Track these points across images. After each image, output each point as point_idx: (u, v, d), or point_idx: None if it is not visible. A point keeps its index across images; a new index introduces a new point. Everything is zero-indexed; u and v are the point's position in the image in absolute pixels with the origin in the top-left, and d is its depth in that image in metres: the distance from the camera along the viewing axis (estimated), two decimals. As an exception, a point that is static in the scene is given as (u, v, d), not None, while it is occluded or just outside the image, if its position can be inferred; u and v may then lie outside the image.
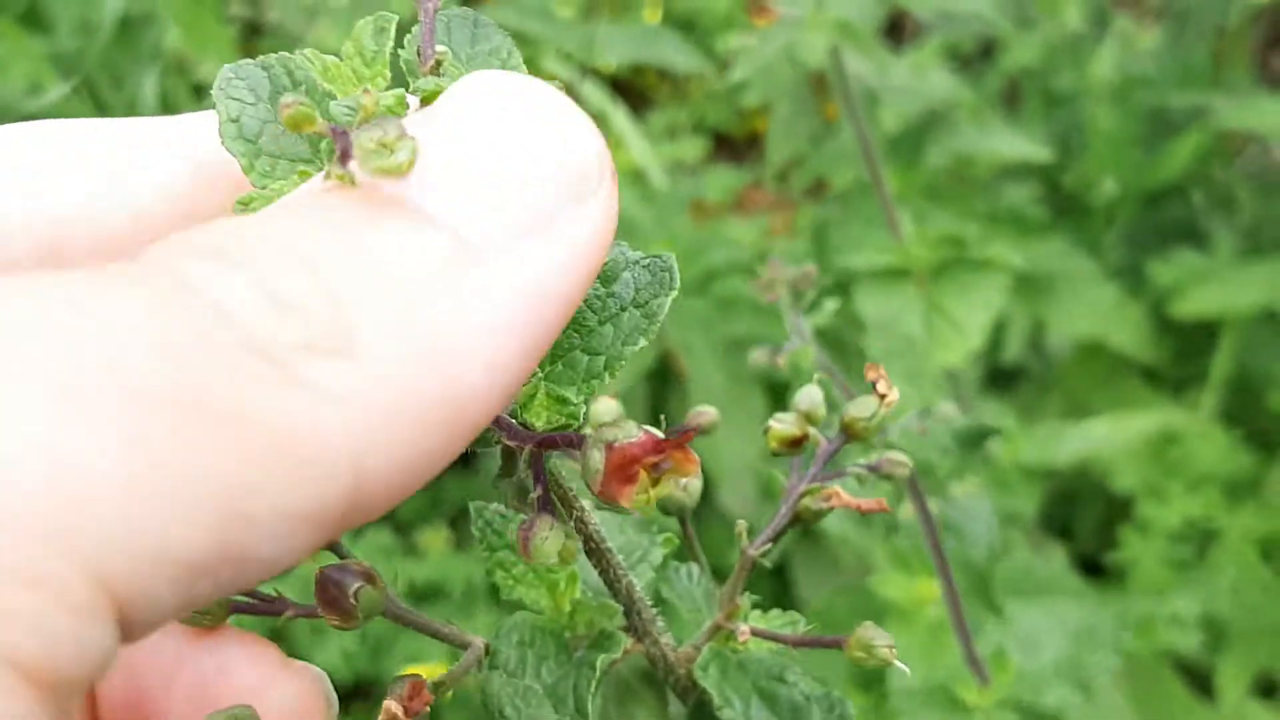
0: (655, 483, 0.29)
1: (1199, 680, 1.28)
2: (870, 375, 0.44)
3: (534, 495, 0.33)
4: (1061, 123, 1.71)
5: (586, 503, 0.38)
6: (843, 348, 1.61)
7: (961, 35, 1.71)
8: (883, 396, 0.44)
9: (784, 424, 0.44)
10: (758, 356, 0.88)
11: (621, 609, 0.41)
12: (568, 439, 0.31)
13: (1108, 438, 1.23)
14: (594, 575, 0.41)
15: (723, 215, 1.82)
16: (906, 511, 1.00)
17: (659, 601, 0.44)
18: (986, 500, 1.01)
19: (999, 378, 1.63)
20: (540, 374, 0.33)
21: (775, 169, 1.53)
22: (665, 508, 0.46)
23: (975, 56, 1.89)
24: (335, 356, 0.23)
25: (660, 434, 0.30)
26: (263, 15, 1.68)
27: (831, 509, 0.44)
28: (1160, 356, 1.59)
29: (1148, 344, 1.57)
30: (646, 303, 0.31)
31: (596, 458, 0.29)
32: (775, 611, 0.45)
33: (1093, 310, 1.52)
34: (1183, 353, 1.60)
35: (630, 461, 0.29)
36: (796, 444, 0.44)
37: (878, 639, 0.43)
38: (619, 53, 1.51)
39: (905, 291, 1.10)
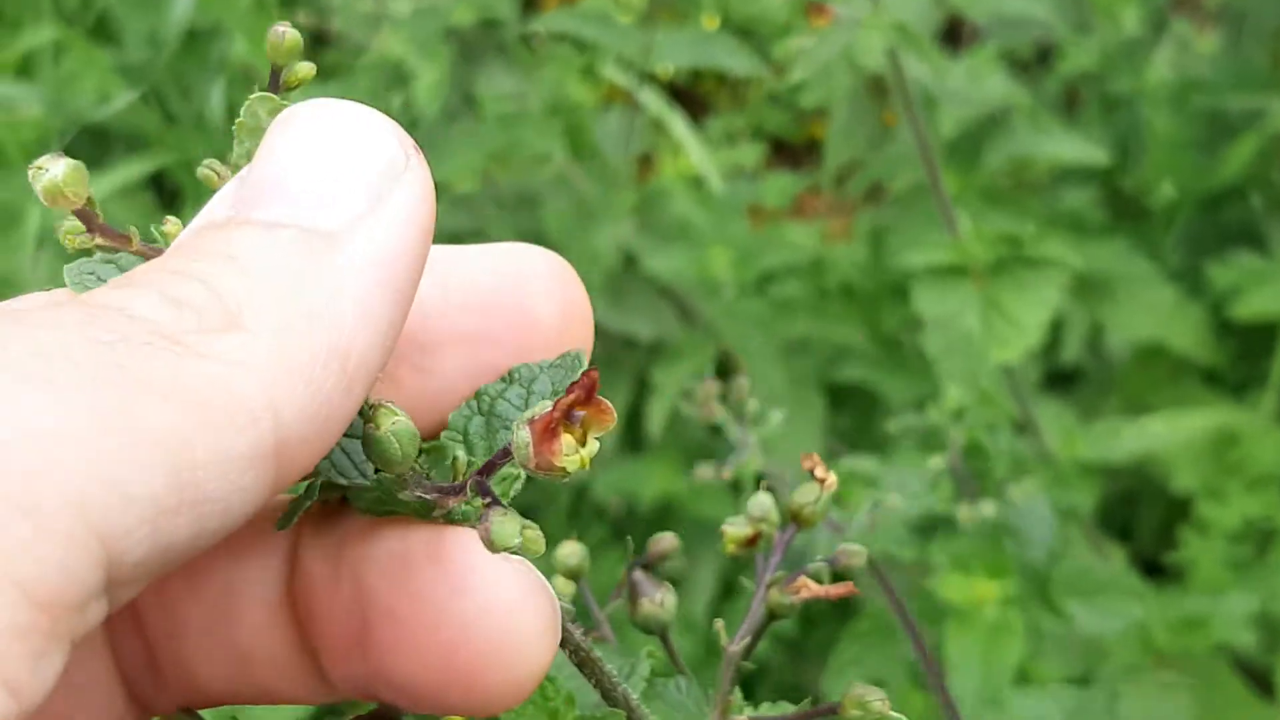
0: (582, 441, 0.32)
1: (1258, 679, 1.27)
2: (806, 465, 0.47)
3: (484, 502, 0.34)
4: (1119, 126, 1.72)
5: (578, 631, 0.40)
6: (897, 348, 1.62)
7: (1018, 40, 1.72)
8: (821, 481, 0.47)
9: (736, 526, 0.47)
10: (700, 473, 0.93)
11: (624, 714, 0.42)
12: (503, 453, 0.33)
13: (1165, 435, 1.24)
14: (590, 696, 0.43)
15: (780, 219, 1.83)
16: (965, 514, 1.01)
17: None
18: (1044, 501, 1.02)
19: (1057, 380, 1.63)
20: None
21: (833, 173, 1.54)
22: (647, 626, 0.48)
23: (1032, 61, 1.90)
24: (228, 331, 0.29)
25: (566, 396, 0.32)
26: (327, 25, 1.71)
27: (803, 600, 0.46)
28: (1220, 359, 1.59)
29: (1207, 346, 1.57)
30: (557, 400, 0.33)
31: (523, 434, 0.32)
32: (765, 704, 0.47)
33: (1152, 312, 1.52)
34: (1243, 355, 1.60)
35: (550, 427, 0.31)
36: (751, 543, 0.47)
37: (869, 695, 0.44)
38: (676, 58, 1.53)
39: (963, 289, 1.10)
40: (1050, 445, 1.19)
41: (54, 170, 0.33)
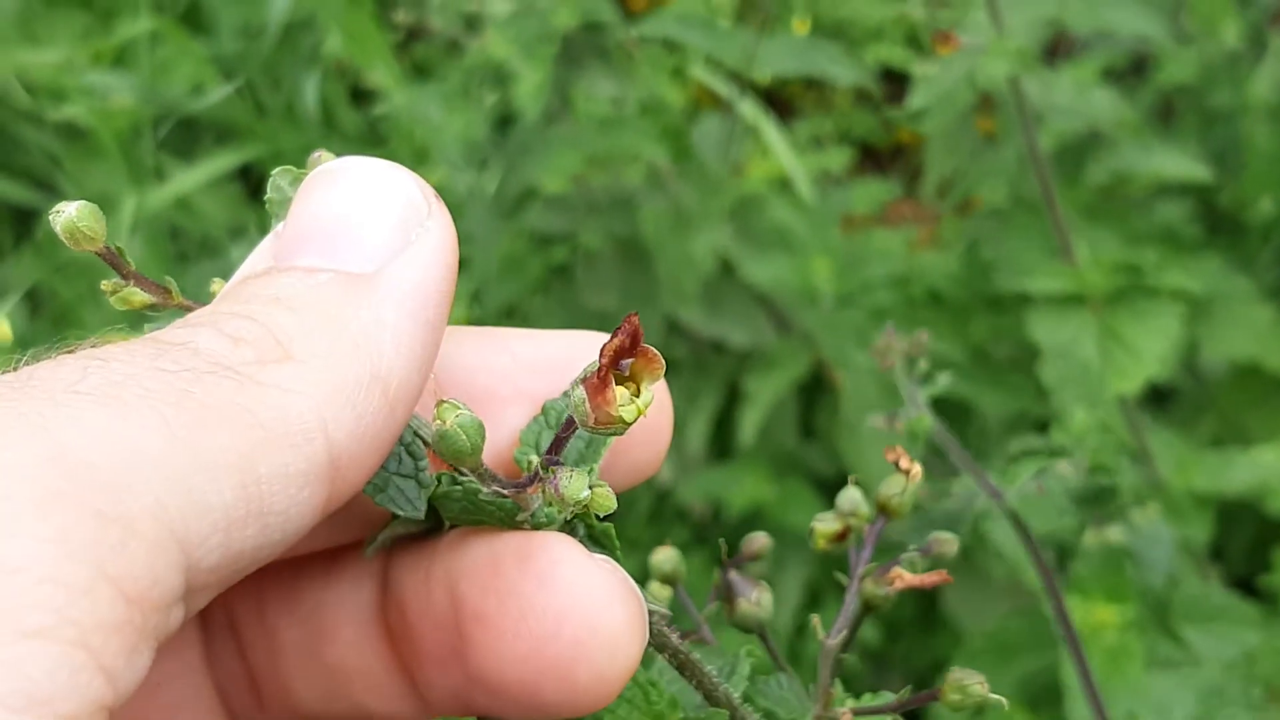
0: (636, 392, 0.34)
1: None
2: (890, 457, 0.49)
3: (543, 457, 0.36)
4: (1218, 141, 1.70)
5: (676, 635, 0.41)
6: (989, 360, 1.61)
7: (1118, 52, 1.71)
8: (907, 471, 0.48)
9: (825, 522, 0.49)
10: (874, 422, 0.91)
11: (728, 713, 0.43)
12: (567, 424, 0.35)
13: (1277, 465, 1.23)
14: (693, 698, 0.44)
15: (869, 226, 1.83)
16: (1091, 538, 1.00)
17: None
18: (1166, 527, 1.01)
19: (1153, 399, 1.62)
20: None
21: (934, 184, 1.53)
22: (745, 625, 0.48)
23: (1127, 71, 1.88)
24: (281, 362, 0.32)
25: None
26: (424, 22, 1.71)
27: (897, 591, 0.47)
28: (1316, 379, 1.57)
29: (1304, 366, 1.55)
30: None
31: (578, 392, 0.34)
32: (867, 695, 0.47)
33: (1249, 331, 1.51)
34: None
35: (601, 378, 0.33)
36: (841, 537, 0.48)
37: (968, 679, 0.45)
38: (780, 65, 1.52)
39: (1080, 318, 1.10)
40: (1163, 474, 1.18)
41: (69, 211, 0.35)
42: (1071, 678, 1.03)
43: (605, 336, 0.37)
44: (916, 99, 1.12)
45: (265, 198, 0.38)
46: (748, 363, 1.59)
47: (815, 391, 1.62)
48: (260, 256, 0.36)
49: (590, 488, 0.35)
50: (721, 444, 1.68)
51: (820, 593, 1.58)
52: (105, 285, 0.37)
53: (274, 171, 0.38)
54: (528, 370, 0.41)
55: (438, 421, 0.35)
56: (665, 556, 0.51)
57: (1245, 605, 1.06)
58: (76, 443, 0.28)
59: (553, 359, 0.41)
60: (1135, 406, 1.19)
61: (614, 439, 0.39)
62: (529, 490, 0.36)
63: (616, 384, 0.34)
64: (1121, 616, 0.99)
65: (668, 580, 0.51)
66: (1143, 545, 1.00)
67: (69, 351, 0.31)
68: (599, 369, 0.33)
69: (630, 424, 0.34)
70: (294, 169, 0.38)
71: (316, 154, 0.39)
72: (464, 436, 0.35)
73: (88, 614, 0.26)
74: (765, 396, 1.51)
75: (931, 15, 1.17)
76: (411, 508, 0.37)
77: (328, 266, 0.35)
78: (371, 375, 0.33)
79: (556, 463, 0.36)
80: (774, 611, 1.44)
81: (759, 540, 0.50)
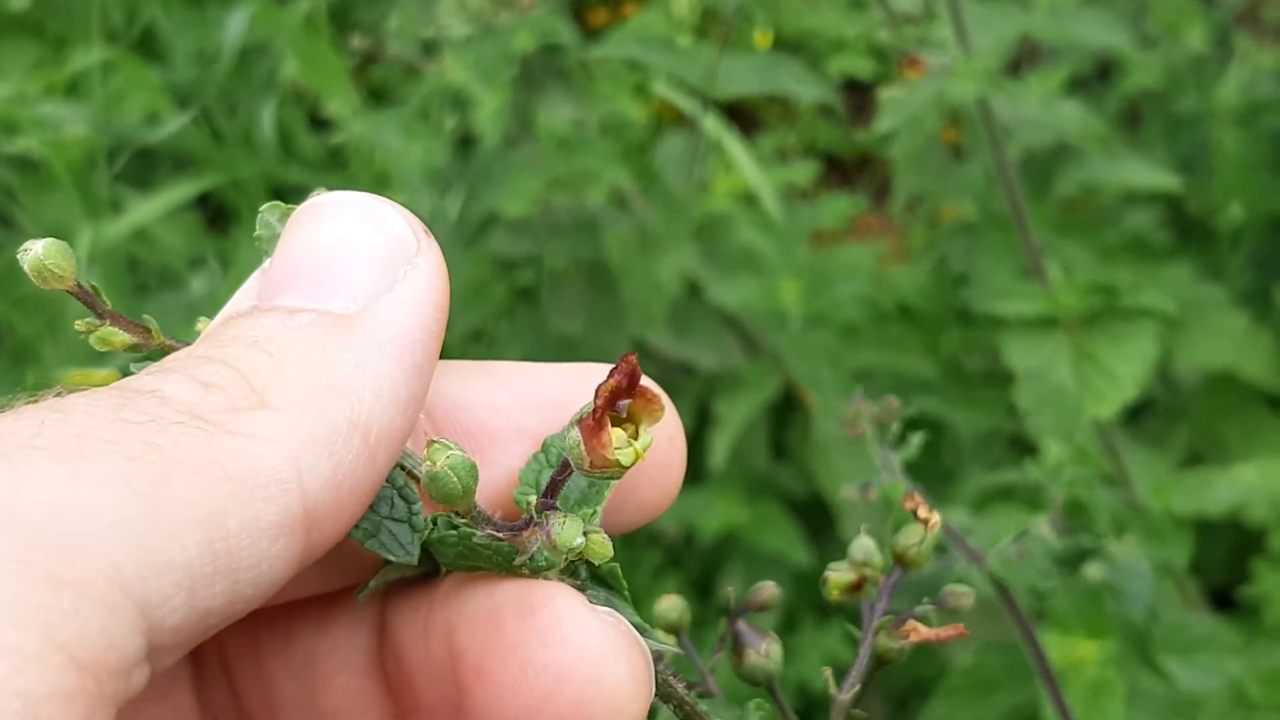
0: (635, 435, 0.33)
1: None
2: (909, 505, 0.48)
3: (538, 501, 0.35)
4: (1184, 146, 1.69)
5: (682, 685, 0.40)
6: (963, 377, 1.60)
7: (1083, 59, 1.69)
8: (925, 521, 0.47)
9: (839, 572, 0.48)
10: (846, 493, 0.91)
11: None
12: (563, 467, 0.34)
13: (1260, 486, 1.21)
14: None
15: (837, 240, 1.81)
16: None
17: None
18: (1145, 558, 1.00)
19: (1125, 411, 1.61)
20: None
21: (903, 202, 1.52)
22: (753, 678, 0.47)
23: (1092, 77, 1.87)
24: (255, 409, 0.30)
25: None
26: (380, 48, 1.69)
27: (912, 645, 0.46)
28: (1290, 385, 1.56)
29: (1277, 373, 1.54)
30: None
31: (573, 435, 0.32)
32: None
33: (1223, 340, 1.50)
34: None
35: (596, 420, 0.32)
36: (856, 588, 0.48)
37: None
38: (742, 85, 1.50)
39: (1054, 341, 1.08)
40: (1141, 496, 1.17)
41: (35, 249, 0.34)
42: (1052, 717, 1.02)
43: (606, 369, 0.36)
44: (884, 122, 1.10)
45: (254, 235, 0.37)
46: (717, 385, 1.58)
47: (786, 411, 1.61)
48: (245, 295, 0.35)
49: (585, 534, 0.34)
50: (692, 466, 1.66)
51: (796, 616, 1.56)
52: (80, 325, 0.36)
53: (263, 208, 0.38)
54: (526, 407, 0.40)
55: (428, 463, 0.33)
56: (670, 605, 0.49)
57: (1227, 632, 1.05)
58: (28, 502, 0.26)
59: (552, 394, 0.40)
60: (1111, 424, 1.17)
61: (610, 491, 0.38)
62: (525, 534, 0.35)
63: (614, 425, 0.32)
64: (1102, 652, 0.97)
65: (672, 629, 0.49)
66: (1122, 578, 0.99)
67: (32, 401, 0.31)
68: (594, 410, 0.32)
69: (628, 468, 0.32)
70: (282, 205, 0.38)
71: (317, 192, 0.38)
72: (455, 479, 0.33)
73: (36, 684, 0.25)
74: (736, 419, 1.50)
75: (896, 33, 1.16)
76: (404, 553, 0.35)
77: (310, 306, 0.33)
78: (350, 422, 0.32)
79: (552, 506, 0.35)
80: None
81: (767, 590, 0.49)
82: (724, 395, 1.53)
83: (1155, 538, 1.11)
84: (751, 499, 1.55)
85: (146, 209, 1.79)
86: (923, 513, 0.48)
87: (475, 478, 0.34)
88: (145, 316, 0.37)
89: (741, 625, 0.47)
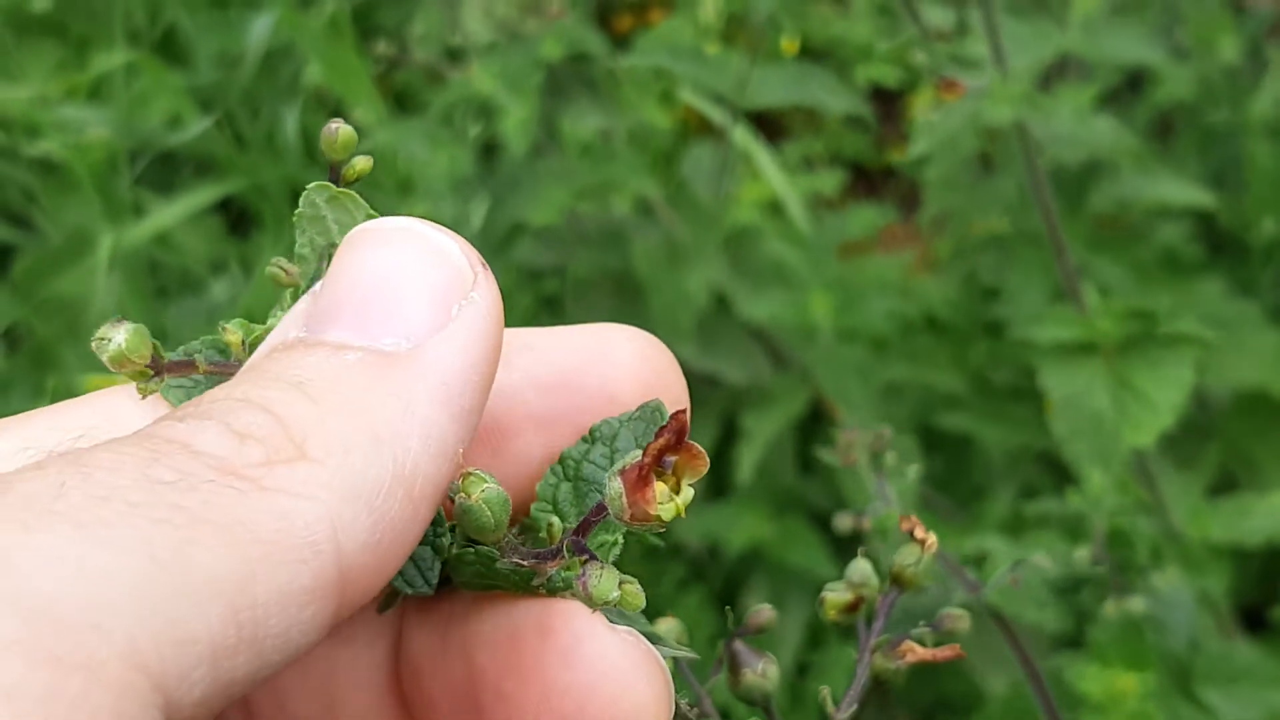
0: (677, 489, 0.32)
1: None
2: (905, 526, 0.48)
3: (581, 560, 0.34)
4: (1217, 159, 1.67)
5: (683, 703, 0.40)
6: (992, 392, 1.58)
7: (1115, 72, 1.68)
8: (922, 542, 0.47)
9: (836, 592, 0.48)
10: (840, 522, 0.91)
11: None
12: (598, 509, 0.33)
13: (1298, 513, 1.20)
14: None
15: (864, 249, 1.80)
16: (1111, 610, 0.98)
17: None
18: (1187, 590, 0.99)
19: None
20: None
21: (932, 217, 1.50)
22: (750, 698, 0.47)
23: (1123, 89, 1.85)
24: (293, 463, 0.29)
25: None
26: (404, 53, 1.67)
27: (909, 665, 0.46)
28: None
29: (1310, 391, 1.52)
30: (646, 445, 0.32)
31: (615, 485, 0.31)
32: None
33: (1255, 358, 1.48)
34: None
35: (643, 475, 0.31)
36: (853, 609, 0.48)
37: None
38: (771, 95, 1.49)
39: (1092, 367, 1.07)
40: (1176, 522, 1.15)
41: (117, 339, 0.34)
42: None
43: (621, 329, 0.36)
44: (918, 145, 1.09)
45: (295, 213, 0.37)
46: (745, 399, 1.56)
47: (814, 425, 1.59)
48: (294, 321, 0.34)
49: (620, 585, 0.33)
50: (718, 479, 1.65)
51: (821, 633, 1.55)
52: (140, 389, 0.35)
53: (310, 186, 0.37)
54: (534, 387, 0.38)
55: (462, 494, 0.32)
56: (668, 627, 0.48)
57: (1270, 662, 1.03)
58: (41, 576, 0.25)
59: (561, 371, 0.38)
60: (1146, 450, 1.15)
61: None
62: (549, 565, 0.34)
63: (656, 479, 0.32)
64: (1143, 685, 0.96)
65: None
66: (1163, 609, 0.98)
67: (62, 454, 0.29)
68: (640, 465, 0.31)
69: (668, 522, 0.32)
70: (332, 185, 0.37)
71: (334, 124, 0.37)
72: (489, 514, 0.32)
73: None
74: (763, 434, 1.48)
75: (930, 51, 1.14)
76: (424, 584, 0.35)
77: (358, 344, 0.32)
78: (394, 475, 0.30)
79: (583, 548, 0.34)
80: (777, 652, 1.42)
81: (764, 613, 0.49)
82: (751, 409, 1.51)
83: (1192, 567, 1.10)
84: (778, 514, 1.54)
85: (168, 213, 1.78)
86: (919, 533, 0.47)
87: (508, 511, 0.33)
88: (196, 356, 0.36)
89: (738, 645, 0.47)
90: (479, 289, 0.33)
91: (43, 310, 1.76)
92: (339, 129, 0.37)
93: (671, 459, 0.32)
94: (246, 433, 0.29)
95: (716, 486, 1.64)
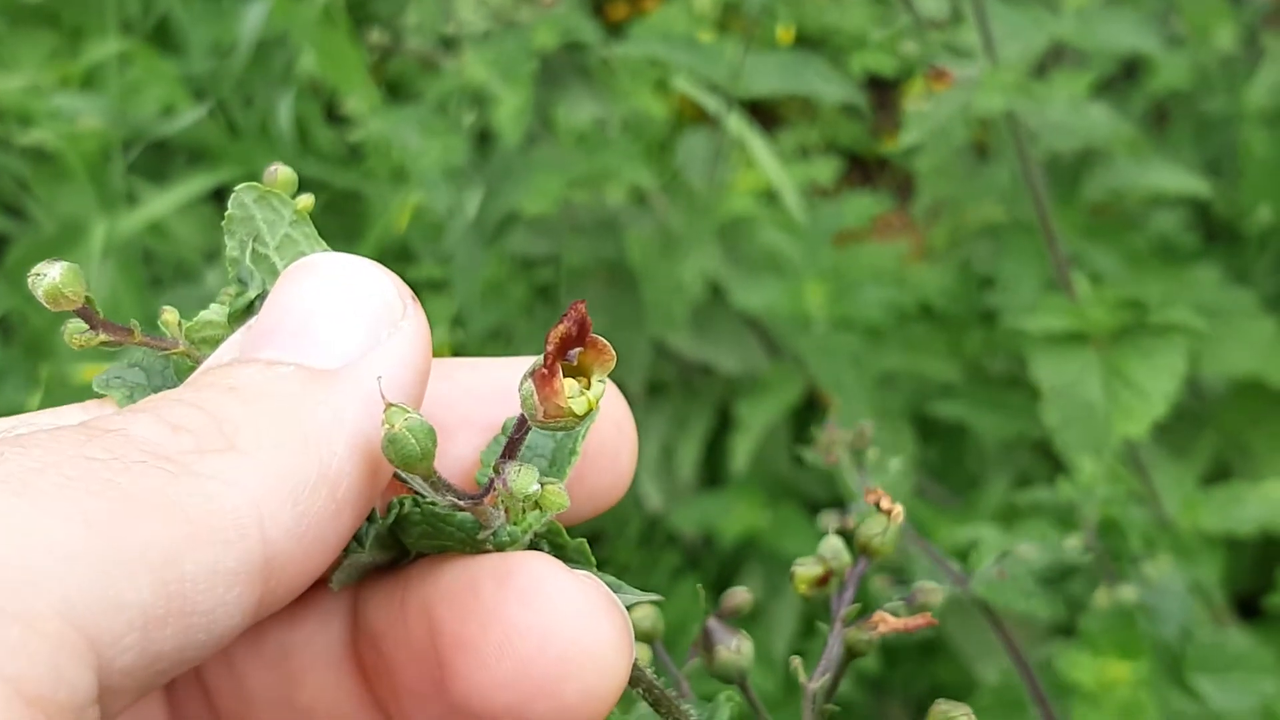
0: (587, 385, 0.33)
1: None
2: (870, 498, 0.49)
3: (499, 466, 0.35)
4: (1212, 147, 1.67)
5: (648, 671, 0.41)
6: (987, 381, 1.58)
7: (1110, 61, 1.67)
8: (888, 512, 0.48)
9: (806, 567, 0.48)
10: (825, 522, 0.91)
11: None
12: (519, 424, 0.34)
13: (1291, 501, 1.20)
14: None
15: (859, 237, 1.79)
16: (1102, 598, 0.97)
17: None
18: (1180, 578, 0.99)
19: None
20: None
21: (926, 207, 1.50)
22: (725, 675, 0.47)
23: (1118, 77, 1.84)
24: (221, 452, 0.30)
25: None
26: (397, 42, 1.67)
27: (880, 635, 0.47)
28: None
29: (1306, 379, 1.52)
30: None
31: (526, 386, 0.32)
32: None
33: (1250, 346, 1.48)
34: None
35: (549, 366, 0.32)
36: (822, 582, 0.48)
37: (955, 711, 0.45)
38: (766, 84, 1.48)
39: (1084, 357, 1.06)
40: (1169, 511, 1.15)
41: (51, 274, 0.35)
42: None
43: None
44: (909, 136, 1.08)
45: (225, 214, 0.38)
46: (739, 388, 1.56)
47: (808, 413, 1.59)
48: (229, 348, 0.35)
49: (540, 484, 0.34)
50: (712, 468, 1.65)
51: (814, 621, 1.55)
52: (75, 340, 0.37)
53: (238, 187, 0.38)
54: (472, 396, 0.40)
55: (385, 425, 0.32)
56: (644, 614, 0.50)
57: (1262, 651, 1.03)
58: None
59: (499, 384, 0.40)
60: (1144, 446, 1.15)
61: (576, 459, 0.38)
62: (487, 500, 0.34)
63: (566, 376, 0.32)
64: (1134, 673, 0.96)
65: (645, 638, 0.50)
66: (1156, 598, 0.98)
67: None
68: (545, 357, 0.32)
69: (581, 417, 0.32)
70: (259, 185, 0.38)
71: (273, 167, 0.39)
72: (413, 440, 0.32)
73: None
74: (758, 423, 1.48)
75: (922, 41, 1.14)
76: (366, 554, 0.36)
77: (290, 360, 0.34)
78: (320, 475, 0.32)
79: (504, 463, 0.34)
80: (771, 639, 1.41)
81: (739, 595, 0.49)
82: (746, 398, 1.51)
83: (1185, 556, 1.10)
84: (772, 502, 1.54)
85: (161, 202, 1.78)
86: (885, 504, 0.48)
87: (434, 440, 0.33)
88: (131, 321, 0.37)
89: (713, 623, 0.48)
90: (408, 319, 0.35)
91: (35, 300, 1.75)
92: (277, 170, 0.39)
93: (577, 352, 0.32)
94: (179, 424, 0.31)
95: (712, 475, 1.64)
